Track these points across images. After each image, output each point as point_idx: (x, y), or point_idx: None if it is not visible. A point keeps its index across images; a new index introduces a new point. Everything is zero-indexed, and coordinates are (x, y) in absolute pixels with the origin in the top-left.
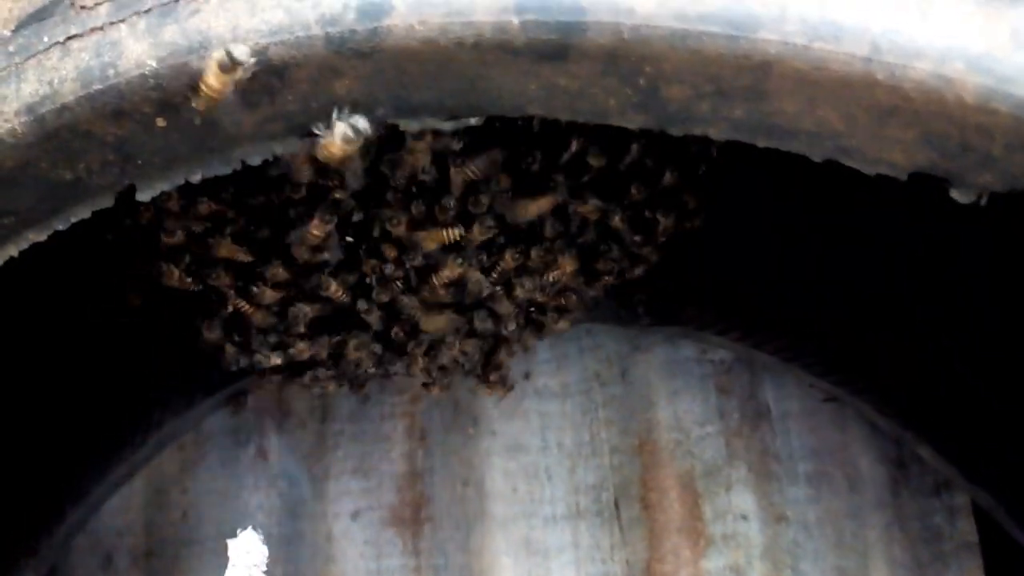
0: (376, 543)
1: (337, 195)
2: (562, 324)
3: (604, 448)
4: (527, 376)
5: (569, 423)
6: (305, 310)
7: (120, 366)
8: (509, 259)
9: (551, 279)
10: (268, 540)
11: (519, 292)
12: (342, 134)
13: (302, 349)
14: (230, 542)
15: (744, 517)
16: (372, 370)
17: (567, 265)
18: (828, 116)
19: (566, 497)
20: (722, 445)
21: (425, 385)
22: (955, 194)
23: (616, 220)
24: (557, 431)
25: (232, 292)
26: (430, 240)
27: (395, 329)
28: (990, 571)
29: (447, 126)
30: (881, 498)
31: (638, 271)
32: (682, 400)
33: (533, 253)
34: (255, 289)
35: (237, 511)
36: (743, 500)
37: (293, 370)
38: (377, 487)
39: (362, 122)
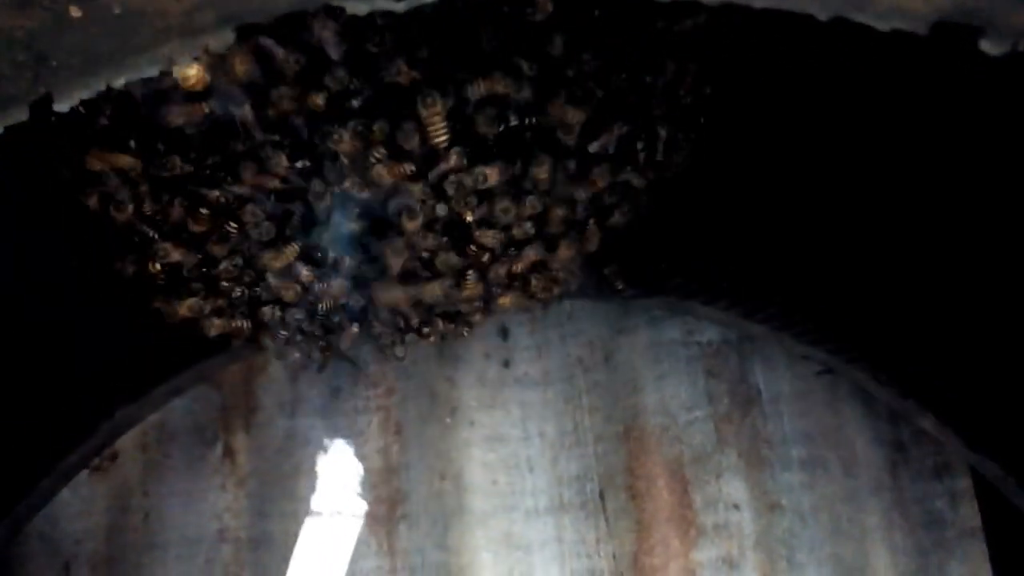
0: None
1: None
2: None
3: (588, 436)
4: (507, 364)
5: (551, 411)
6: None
7: (63, 351)
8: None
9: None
10: (236, 543)
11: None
12: None
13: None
14: (195, 546)
15: (736, 506)
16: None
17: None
18: None
19: (549, 489)
20: (711, 430)
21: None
22: (986, 45)
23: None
24: (539, 420)
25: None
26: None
27: None
28: (995, 559)
29: (399, 6)
30: (879, 482)
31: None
32: (669, 384)
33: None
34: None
35: (202, 513)
36: (734, 488)
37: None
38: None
39: None
